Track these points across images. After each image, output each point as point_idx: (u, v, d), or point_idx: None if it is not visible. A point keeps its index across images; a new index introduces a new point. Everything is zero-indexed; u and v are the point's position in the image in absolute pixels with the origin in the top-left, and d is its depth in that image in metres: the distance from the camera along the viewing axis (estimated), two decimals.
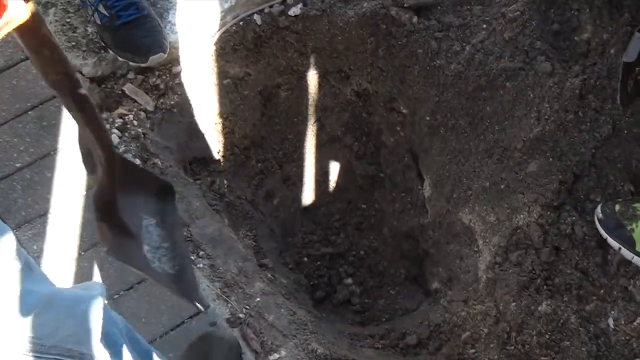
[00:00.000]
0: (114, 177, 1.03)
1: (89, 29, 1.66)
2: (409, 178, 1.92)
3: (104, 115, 1.60)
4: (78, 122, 0.90)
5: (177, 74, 1.71)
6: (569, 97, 1.51)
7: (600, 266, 1.39)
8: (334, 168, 2.02)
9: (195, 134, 1.77)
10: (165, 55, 1.63)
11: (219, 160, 1.83)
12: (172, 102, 1.70)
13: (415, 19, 1.72)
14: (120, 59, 1.63)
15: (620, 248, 1.37)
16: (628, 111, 1.47)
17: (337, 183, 2.02)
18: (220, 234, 1.55)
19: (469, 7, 1.73)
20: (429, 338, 1.51)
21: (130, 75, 1.67)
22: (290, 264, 1.86)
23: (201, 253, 1.46)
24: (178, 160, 1.69)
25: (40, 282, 0.81)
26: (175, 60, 1.71)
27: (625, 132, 1.49)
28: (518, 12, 1.64)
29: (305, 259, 1.92)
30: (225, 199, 1.76)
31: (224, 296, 1.39)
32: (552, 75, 1.55)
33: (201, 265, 1.44)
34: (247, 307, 1.40)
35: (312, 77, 1.92)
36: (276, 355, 1.33)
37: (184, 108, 1.73)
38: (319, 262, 1.93)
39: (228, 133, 1.85)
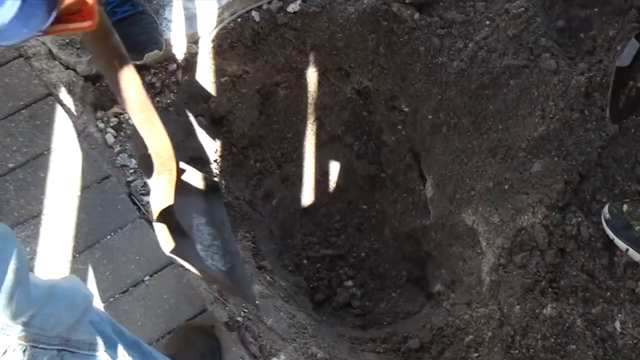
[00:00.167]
0: (173, 178, 1.09)
1: None
2: (410, 178, 1.92)
3: (99, 114, 1.59)
4: (144, 130, 0.97)
5: (173, 72, 1.71)
6: (574, 95, 1.51)
7: (606, 268, 1.39)
8: (334, 168, 2.02)
9: (192, 134, 1.77)
10: (161, 53, 1.62)
11: (216, 160, 1.83)
12: (169, 101, 1.69)
13: (417, 16, 1.72)
14: None
15: (627, 249, 1.36)
16: (618, 127, 1.45)
17: (337, 183, 2.02)
18: None
19: (472, 3, 1.73)
20: (432, 342, 1.51)
21: None
22: (290, 266, 1.85)
23: None
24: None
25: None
26: (171, 58, 1.70)
27: (633, 130, 1.49)
28: (522, 8, 1.64)
29: (305, 261, 1.92)
30: (223, 199, 1.76)
31: (221, 299, 1.39)
32: (557, 73, 1.55)
33: None
34: (246, 310, 1.39)
35: (312, 75, 1.92)
36: None
37: (181, 107, 1.73)
38: (318, 264, 1.92)
39: (226, 132, 1.85)
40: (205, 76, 1.78)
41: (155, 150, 1.02)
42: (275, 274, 1.68)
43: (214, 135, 1.82)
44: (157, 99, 1.68)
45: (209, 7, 1.74)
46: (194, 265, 1.22)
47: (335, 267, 1.93)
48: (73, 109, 1.56)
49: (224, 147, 1.86)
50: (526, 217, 1.47)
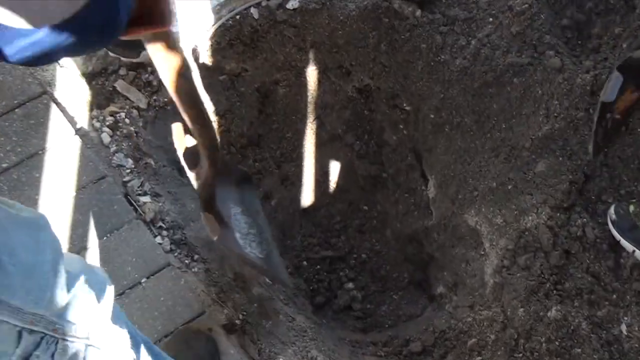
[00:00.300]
0: (217, 173, 1.18)
1: None
2: (412, 178, 1.91)
3: (94, 112, 1.59)
4: (195, 125, 1.04)
5: None
6: (579, 93, 1.51)
7: (612, 270, 1.39)
8: (335, 168, 2.02)
9: (189, 133, 1.76)
10: None
11: None
12: (166, 99, 1.69)
13: (418, 12, 1.72)
14: (111, 54, 1.62)
15: (634, 250, 1.36)
16: (597, 158, 1.43)
17: (338, 183, 2.02)
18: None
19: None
20: (434, 345, 1.51)
21: (122, 72, 1.66)
22: (289, 268, 1.85)
23: (196, 257, 1.46)
24: (172, 160, 1.69)
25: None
26: None
27: (639, 130, 1.49)
28: (526, 5, 1.64)
29: (305, 262, 1.92)
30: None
31: (219, 302, 1.39)
32: (561, 71, 1.54)
33: (196, 270, 1.43)
34: (244, 312, 1.39)
35: (312, 73, 1.92)
36: None
37: None
38: (318, 266, 1.92)
39: (224, 131, 1.85)
40: (203, 74, 1.78)
41: (204, 144, 1.09)
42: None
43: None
44: (155, 97, 1.68)
45: (207, 4, 1.74)
46: (237, 253, 1.33)
47: (336, 269, 1.93)
48: (68, 107, 1.56)
49: (222, 147, 1.86)
50: (530, 218, 1.46)
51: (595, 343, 1.33)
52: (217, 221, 1.27)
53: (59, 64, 1.61)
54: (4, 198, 0.76)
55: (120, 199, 1.44)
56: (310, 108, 1.97)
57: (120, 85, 1.65)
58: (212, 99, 1.81)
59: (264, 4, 1.78)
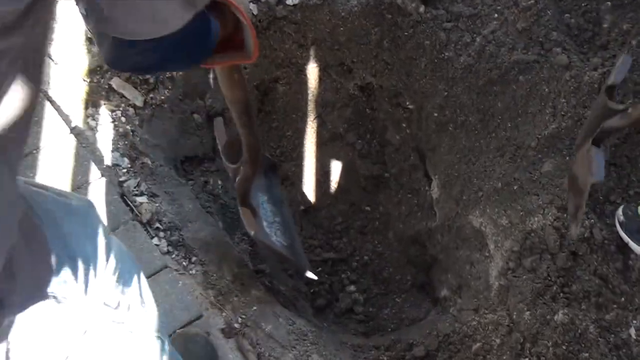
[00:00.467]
0: (256, 169, 1.38)
1: None
2: (415, 178, 1.91)
3: (90, 110, 1.59)
4: (244, 130, 1.22)
5: None
6: (587, 91, 1.51)
7: (621, 272, 1.39)
8: (336, 168, 2.01)
9: (187, 131, 1.76)
10: None
11: (212, 158, 1.82)
12: (163, 97, 1.69)
13: (422, 9, 1.72)
14: None
15: None
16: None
17: (339, 184, 2.02)
18: (214, 238, 1.54)
19: None
20: (438, 349, 1.50)
21: None
22: (289, 270, 1.85)
23: (194, 259, 1.46)
24: (169, 159, 1.69)
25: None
26: None
27: None
28: (532, 1, 1.63)
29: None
30: (220, 200, 1.76)
31: (218, 305, 1.39)
32: (568, 68, 1.54)
33: (194, 272, 1.43)
34: (243, 316, 1.39)
35: (312, 71, 1.91)
36: None
37: (175, 103, 1.72)
38: (320, 268, 1.92)
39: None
40: (201, 71, 1.78)
41: (249, 145, 1.27)
42: (274, 278, 1.68)
43: (209, 133, 1.82)
44: (151, 95, 1.68)
45: None
46: (270, 245, 1.46)
47: (337, 271, 1.93)
48: (63, 105, 1.55)
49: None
50: (536, 218, 1.46)
51: (603, 347, 1.33)
52: (254, 215, 1.42)
53: (52, 60, 1.61)
54: (53, 187, 0.76)
55: (116, 200, 1.44)
56: (311, 106, 1.97)
57: (116, 82, 1.64)
58: (210, 97, 1.80)
59: None
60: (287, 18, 1.78)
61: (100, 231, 0.77)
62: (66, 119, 1.53)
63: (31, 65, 0.49)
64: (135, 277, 0.85)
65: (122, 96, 1.64)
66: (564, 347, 1.34)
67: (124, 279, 0.81)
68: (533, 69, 1.57)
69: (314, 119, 1.98)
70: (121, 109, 1.62)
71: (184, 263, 1.44)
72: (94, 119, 1.57)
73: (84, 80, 1.63)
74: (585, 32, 1.63)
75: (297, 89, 1.92)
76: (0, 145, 0.49)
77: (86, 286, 0.70)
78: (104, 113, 1.60)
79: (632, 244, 1.37)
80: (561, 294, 1.39)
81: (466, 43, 1.66)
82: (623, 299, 1.37)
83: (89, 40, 1.63)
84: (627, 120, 1.14)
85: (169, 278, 1.36)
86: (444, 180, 1.75)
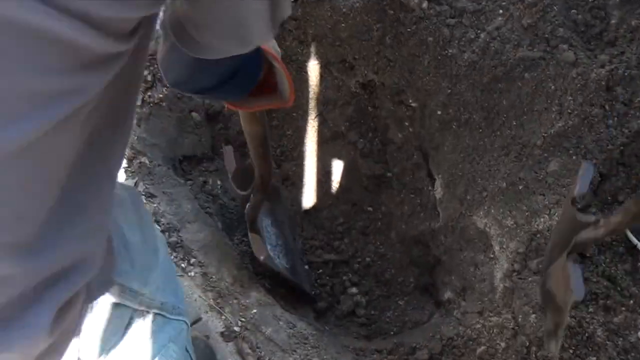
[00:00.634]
0: (265, 197, 1.48)
1: None
2: (418, 178, 1.91)
3: None
4: (258, 160, 1.30)
5: None
6: (594, 89, 1.50)
7: (629, 274, 1.38)
8: (337, 167, 2.01)
9: (185, 130, 1.76)
10: (152, 44, 1.61)
11: (211, 158, 1.82)
12: (161, 95, 1.68)
13: (425, 4, 1.71)
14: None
15: None
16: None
17: (341, 183, 2.01)
18: (213, 239, 1.54)
19: None
20: (442, 353, 1.50)
21: None
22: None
23: (192, 260, 1.45)
24: (167, 159, 1.68)
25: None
26: None
27: None
28: None
29: (306, 266, 1.91)
30: (219, 200, 1.76)
31: (217, 307, 1.39)
32: (575, 65, 1.53)
33: (193, 274, 1.42)
34: (243, 319, 1.39)
35: (313, 68, 1.91)
36: None
37: (173, 102, 1.72)
38: (321, 270, 1.92)
39: (221, 129, 1.84)
40: None
41: (262, 176, 1.38)
42: (275, 281, 1.67)
43: (208, 132, 1.81)
44: (149, 93, 1.67)
45: None
46: (269, 267, 1.52)
47: (339, 273, 1.93)
48: None
49: (219, 145, 1.85)
50: (542, 219, 1.45)
51: (611, 351, 1.32)
52: (263, 241, 1.50)
53: None
54: None
55: None
56: (312, 104, 1.97)
57: None
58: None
59: None
60: None
61: (147, 219, 0.79)
62: None
63: (133, 84, 0.52)
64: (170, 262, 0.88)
65: None
66: (570, 351, 1.34)
67: (167, 266, 0.84)
68: (539, 66, 1.57)
69: (315, 117, 1.98)
70: None
71: (182, 265, 1.43)
72: None
73: None
74: (593, 29, 1.63)
75: (297, 86, 1.92)
76: (103, 156, 0.50)
77: (141, 275, 0.71)
78: None
79: None
80: None
81: (470, 39, 1.66)
82: (632, 301, 1.36)
83: None
84: (601, 232, 1.10)
85: None
86: (447, 179, 1.74)
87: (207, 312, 1.37)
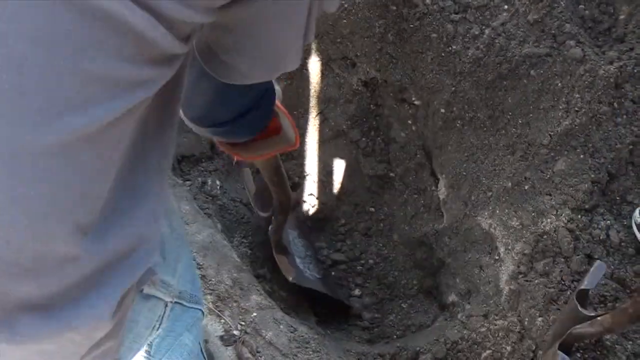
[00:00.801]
0: (287, 217, 1.55)
1: None
2: (422, 178, 1.90)
3: None
4: (274, 187, 1.36)
5: None
6: (602, 86, 1.49)
7: (639, 276, 1.37)
8: (339, 166, 2.00)
9: (183, 129, 1.75)
10: None
11: (210, 157, 1.82)
12: None
13: None
14: None
15: None
16: None
17: (343, 183, 2.01)
18: (212, 241, 1.54)
19: None
20: (446, 357, 1.50)
21: None
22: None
23: None
24: None
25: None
26: None
27: None
28: None
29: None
30: (218, 201, 1.76)
31: (216, 311, 1.38)
32: (583, 62, 1.53)
33: None
34: (243, 322, 1.38)
35: (314, 65, 1.90)
36: None
37: None
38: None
39: None
40: None
41: (280, 200, 1.45)
42: (275, 283, 1.68)
43: None
44: None
45: None
46: (309, 285, 1.59)
47: (341, 276, 1.92)
48: None
49: (219, 144, 1.84)
50: (549, 220, 1.45)
51: (621, 354, 1.31)
52: (289, 262, 1.56)
53: None
54: None
55: None
56: (313, 102, 1.96)
57: None
58: None
59: None
60: None
61: (172, 208, 0.80)
62: None
63: (180, 84, 0.55)
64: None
65: None
66: (578, 355, 1.33)
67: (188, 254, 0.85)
68: (545, 62, 1.56)
69: (316, 116, 1.98)
70: None
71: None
72: None
73: None
74: (601, 24, 1.62)
75: (298, 84, 1.92)
76: (152, 147, 0.54)
77: (170, 265, 0.73)
78: None
79: None
80: None
81: (475, 35, 1.65)
82: None
83: None
84: (597, 329, 1.14)
85: None
86: (451, 179, 1.74)
87: (206, 315, 1.36)
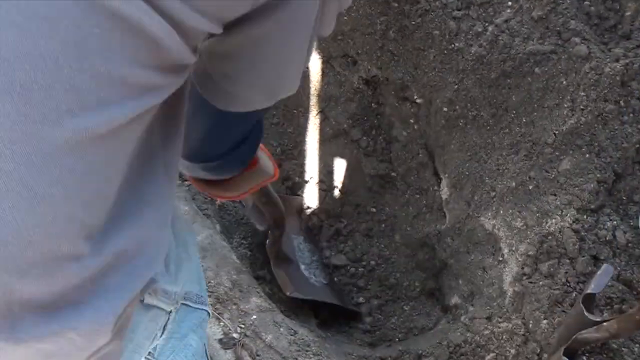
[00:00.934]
0: (283, 232, 1.60)
1: None
2: (424, 177, 1.90)
3: None
4: (264, 207, 1.45)
5: None
6: (608, 84, 1.48)
7: None
8: (340, 166, 2.00)
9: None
10: None
11: None
12: None
13: None
14: None
15: None
16: None
17: (344, 183, 2.00)
18: (211, 242, 1.54)
19: None
20: None
21: None
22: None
23: None
24: None
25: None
26: None
27: None
28: None
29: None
30: (217, 202, 1.76)
31: (215, 313, 1.39)
32: (588, 59, 1.52)
33: None
34: (242, 325, 1.38)
35: (314, 63, 1.90)
36: None
37: None
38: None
39: None
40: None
41: (274, 217, 1.52)
42: (275, 285, 1.67)
43: None
44: None
45: None
46: (312, 296, 1.61)
47: (341, 278, 1.92)
48: None
49: None
50: (554, 220, 1.44)
51: (627, 357, 1.31)
52: (288, 276, 1.56)
53: None
54: None
55: None
56: (313, 101, 1.96)
57: None
58: None
59: None
60: None
61: (176, 213, 0.81)
62: None
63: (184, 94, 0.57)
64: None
65: None
66: (584, 358, 1.33)
67: (195, 257, 0.86)
68: (550, 60, 1.55)
69: (317, 115, 1.98)
70: None
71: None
72: None
73: None
74: (606, 21, 1.62)
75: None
76: (157, 154, 0.55)
77: (172, 274, 0.73)
78: None
79: None
80: None
81: (478, 33, 1.65)
82: None
83: None
84: (603, 335, 1.15)
85: None
86: (454, 179, 1.74)
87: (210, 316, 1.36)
